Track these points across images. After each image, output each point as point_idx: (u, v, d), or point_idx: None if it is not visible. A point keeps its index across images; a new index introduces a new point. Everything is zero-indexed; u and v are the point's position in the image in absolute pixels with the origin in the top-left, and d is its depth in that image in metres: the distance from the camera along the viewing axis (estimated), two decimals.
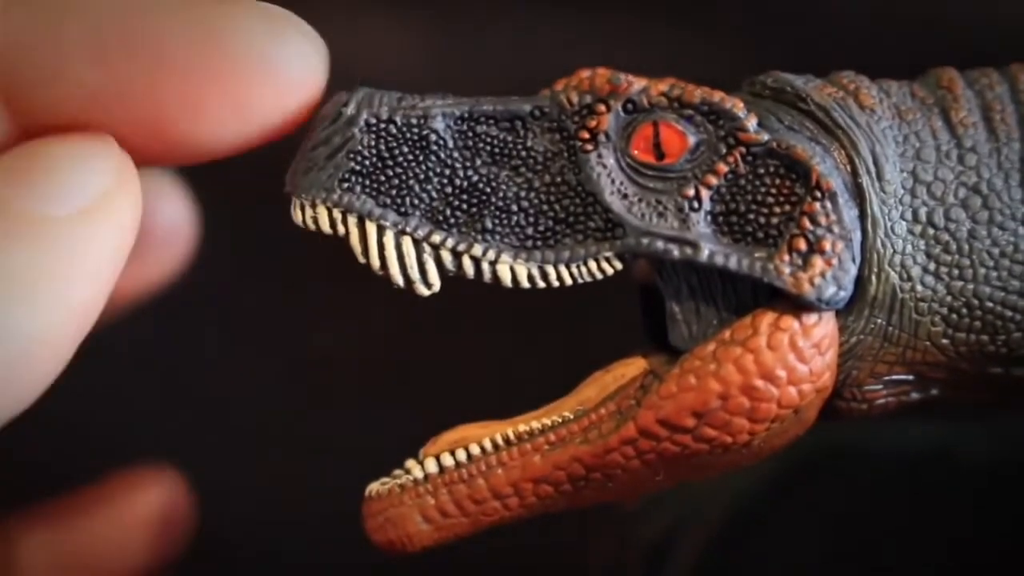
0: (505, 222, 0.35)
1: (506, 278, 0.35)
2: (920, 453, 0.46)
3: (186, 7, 0.33)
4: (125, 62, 0.33)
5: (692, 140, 0.35)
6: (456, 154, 0.35)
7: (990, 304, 0.35)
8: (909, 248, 0.35)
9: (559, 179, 0.35)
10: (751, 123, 0.35)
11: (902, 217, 0.35)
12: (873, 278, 0.35)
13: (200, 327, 0.50)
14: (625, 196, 0.35)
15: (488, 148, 0.35)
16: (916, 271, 0.35)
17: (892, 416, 0.37)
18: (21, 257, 0.32)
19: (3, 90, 0.33)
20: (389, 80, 0.36)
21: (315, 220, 0.35)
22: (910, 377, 0.36)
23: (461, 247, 0.35)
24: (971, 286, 0.35)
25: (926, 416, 0.44)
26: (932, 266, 0.35)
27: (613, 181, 0.35)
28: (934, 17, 0.52)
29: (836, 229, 0.35)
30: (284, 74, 0.33)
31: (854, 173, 0.35)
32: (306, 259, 0.48)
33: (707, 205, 0.35)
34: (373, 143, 0.35)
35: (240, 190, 0.52)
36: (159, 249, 0.46)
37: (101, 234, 0.33)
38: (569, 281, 0.35)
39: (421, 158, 0.35)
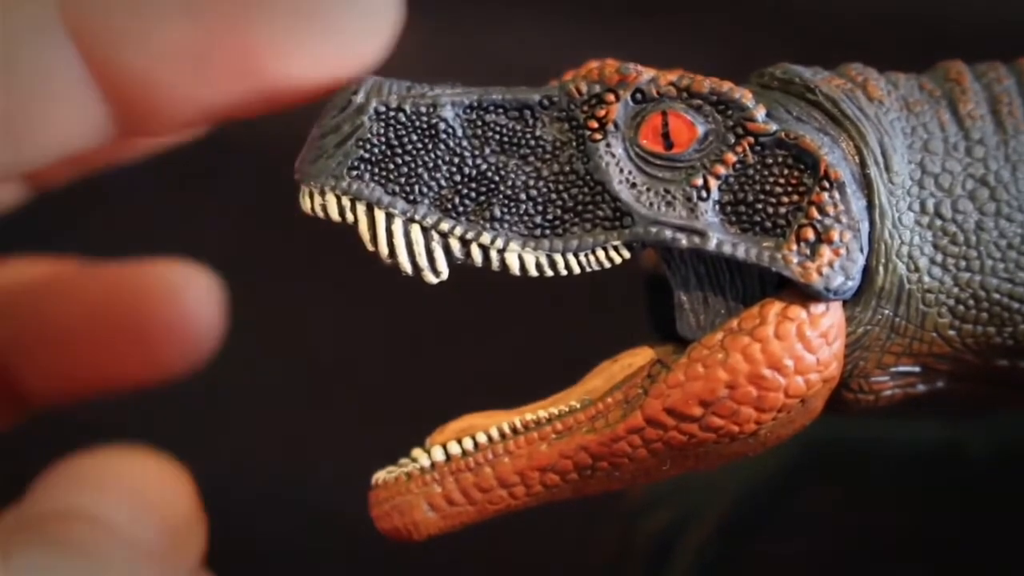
0: (514, 211, 0.35)
1: (514, 266, 0.35)
2: (921, 451, 0.46)
3: None
4: (211, 11, 0.33)
5: (701, 130, 0.35)
6: (465, 143, 0.35)
7: (997, 296, 0.35)
8: (917, 239, 0.35)
9: (568, 168, 0.35)
10: (760, 113, 0.35)
11: (910, 208, 0.35)
12: (880, 269, 0.35)
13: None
14: (633, 185, 0.35)
15: (497, 137, 0.35)
16: (923, 262, 0.35)
17: (898, 408, 0.37)
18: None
19: (92, 61, 0.34)
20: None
21: (324, 208, 0.35)
22: (916, 369, 0.36)
23: (470, 235, 0.35)
24: (978, 277, 0.35)
25: (928, 413, 0.44)
26: (939, 257, 0.35)
27: (622, 170, 0.35)
28: (936, 14, 0.52)
29: (844, 219, 0.35)
30: (360, 21, 0.34)
31: (862, 164, 0.35)
32: (308, 251, 0.48)
33: (715, 194, 0.35)
34: (382, 131, 0.35)
35: (241, 189, 0.52)
36: (185, 341, 0.46)
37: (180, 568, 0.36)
38: (577, 270, 0.35)
39: (430, 146, 0.35)
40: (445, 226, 0.35)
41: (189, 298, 0.45)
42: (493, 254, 0.35)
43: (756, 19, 0.54)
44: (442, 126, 0.35)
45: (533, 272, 0.35)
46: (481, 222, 0.35)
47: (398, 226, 0.35)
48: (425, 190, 0.35)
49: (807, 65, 0.37)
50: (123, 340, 0.45)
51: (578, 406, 0.36)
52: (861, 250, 0.35)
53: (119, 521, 0.35)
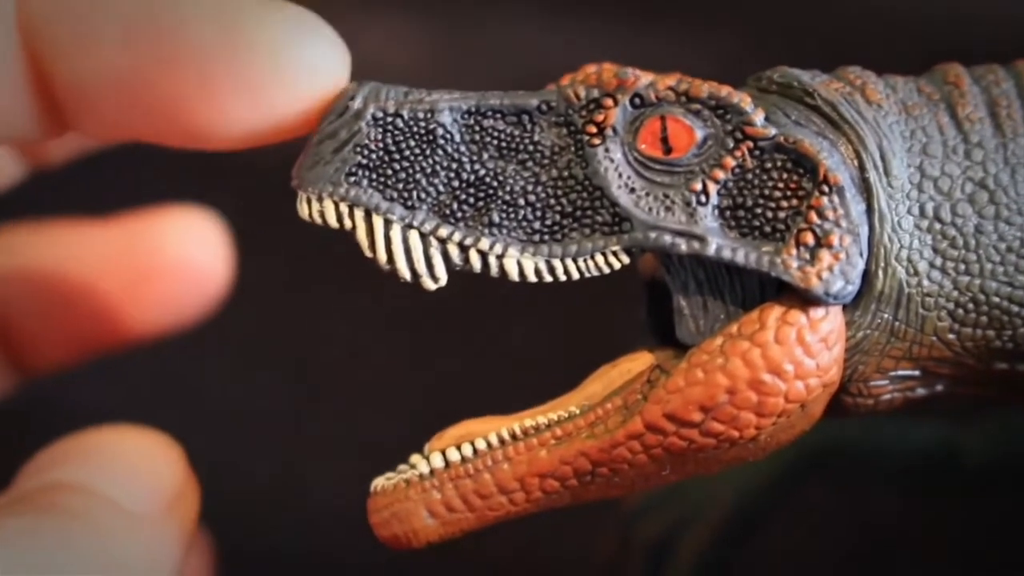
0: (512, 216, 0.35)
1: (513, 272, 0.35)
2: (921, 453, 0.46)
3: (214, 2, 0.34)
4: (152, 47, 0.34)
5: (699, 134, 0.35)
6: (463, 148, 0.35)
7: (996, 299, 0.35)
8: (916, 243, 0.35)
9: (566, 173, 0.35)
10: (758, 117, 0.35)
11: (909, 212, 0.35)
12: (880, 273, 0.35)
13: (198, 325, 0.49)
14: (632, 190, 0.35)
15: (495, 142, 0.35)
16: (923, 266, 0.35)
17: (898, 412, 0.37)
18: (116, 551, 0.35)
19: (34, 58, 0.34)
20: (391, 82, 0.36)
21: (322, 214, 0.35)
22: (916, 372, 0.36)
23: (468, 241, 0.35)
24: (978, 281, 0.35)
25: (928, 415, 0.44)
26: (939, 261, 0.35)
27: (620, 175, 0.35)
28: (937, 15, 0.52)
29: (843, 223, 0.35)
30: (302, 73, 0.34)
31: (861, 168, 0.35)
32: (310, 254, 0.48)
33: (714, 199, 0.35)
34: (380, 137, 0.35)
35: (241, 190, 0.52)
36: (193, 288, 0.46)
37: (174, 533, 0.36)
38: (576, 275, 0.35)
39: (428, 152, 0.35)
40: (443, 232, 0.35)
41: (196, 243, 0.46)
42: (492, 260, 0.35)
43: (755, 22, 0.54)
44: (440, 131, 0.35)
45: (532, 278, 0.35)
46: (479, 228, 0.35)
47: (396, 232, 0.35)
48: (423, 196, 0.35)
49: (806, 69, 0.36)
50: (131, 289, 0.46)
51: (577, 412, 0.36)
52: (861, 254, 0.35)
53: (112, 492, 0.35)
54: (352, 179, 0.35)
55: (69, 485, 0.35)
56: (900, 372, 0.36)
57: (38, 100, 0.35)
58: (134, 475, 0.36)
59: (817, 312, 0.35)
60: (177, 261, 0.45)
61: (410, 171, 0.35)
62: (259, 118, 0.34)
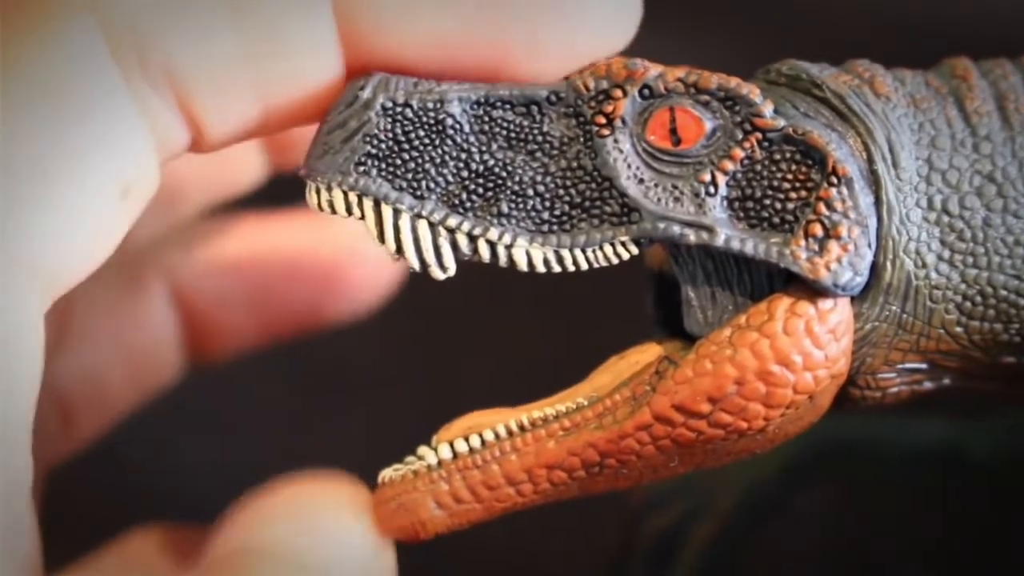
0: (521, 206, 0.35)
1: (522, 262, 0.35)
2: (925, 451, 0.46)
3: None
4: (475, 9, 0.34)
5: (708, 126, 0.35)
6: (472, 138, 0.35)
7: (1004, 292, 0.35)
8: (924, 235, 0.35)
9: (575, 164, 0.35)
10: (767, 109, 0.35)
11: (917, 204, 0.35)
12: (888, 265, 0.35)
13: None
14: (641, 181, 0.35)
15: (504, 133, 0.35)
16: (931, 258, 0.35)
17: (905, 405, 0.37)
18: None
19: (344, 32, 0.34)
20: None
21: (331, 203, 0.35)
22: (923, 366, 0.36)
23: (477, 231, 0.35)
24: (985, 274, 0.35)
25: (932, 413, 0.44)
26: (946, 254, 0.35)
27: (629, 166, 0.35)
28: (941, 13, 0.52)
29: (852, 215, 0.35)
30: (608, 20, 0.35)
31: (870, 160, 0.35)
32: None
33: (723, 190, 0.35)
34: (389, 127, 0.35)
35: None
36: (378, 272, 0.47)
37: None
38: (585, 266, 0.35)
39: (437, 142, 0.35)
40: (452, 222, 0.35)
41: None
42: (500, 250, 0.35)
43: (762, 17, 0.54)
44: (449, 122, 0.35)
45: (541, 268, 0.35)
46: (488, 218, 0.35)
47: (405, 222, 0.35)
48: (432, 186, 0.35)
49: (813, 62, 0.36)
50: (326, 278, 0.46)
51: (585, 403, 0.36)
52: (869, 246, 0.35)
53: (300, 554, 0.35)
54: (361, 168, 0.35)
55: (256, 549, 0.35)
56: (908, 365, 0.36)
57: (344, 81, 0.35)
58: (324, 532, 0.35)
59: (826, 303, 0.35)
60: (366, 248, 0.45)
61: (419, 161, 0.35)
62: (577, 62, 0.35)
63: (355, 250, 0.46)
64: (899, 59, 0.37)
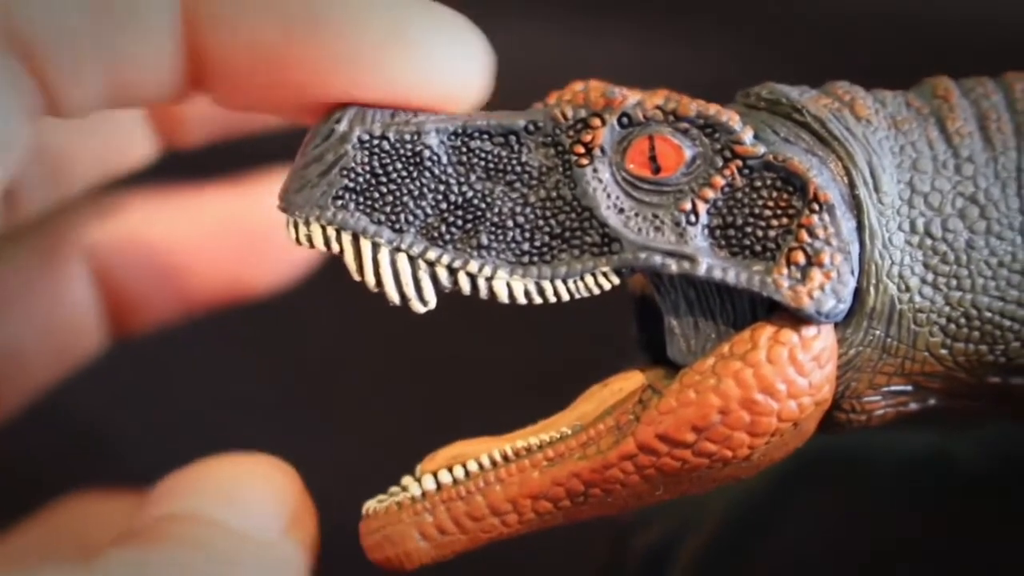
0: (501, 238, 0.35)
1: (502, 294, 0.35)
2: (917, 459, 0.46)
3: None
4: (305, 27, 0.34)
5: (688, 153, 0.35)
6: (450, 170, 0.35)
7: (988, 314, 0.35)
8: (907, 259, 0.35)
9: (554, 194, 0.35)
10: (747, 136, 0.35)
11: (899, 228, 0.35)
12: (871, 290, 0.35)
13: (197, 325, 0.49)
14: (621, 210, 0.35)
15: (482, 163, 0.35)
16: (914, 282, 0.35)
17: (891, 426, 0.37)
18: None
19: (190, 22, 0.35)
20: None
21: (309, 238, 0.35)
22: (909, 388, 0.36)
23: (457, 263, 0.35)
24: (969, 296, 0.35)
25: (923, 423, 0.44)
26: (930, 277, 0.35)
27: (609, 195, 0.35)
28: (930, 19, 0.52)
29: (834, 242, 0.34)
30: (444, 75, 0.35)
31: (851, 184, 0.35)
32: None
33: (704, 219, 0.35)
34: (366, 160, 0.35)
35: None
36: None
37: (292, 557, 0.36)
38: (566, 296, 0.35)
39: (415, 174, 0.35)
40: (432, 255, 0.35)
41: None
42: (481, 282, 0.35)
43: (751, 25, 0.54)
44: (427, 153, 0.35)
45: (522, 300, 0.35)
46: (468, 250, 0.35)
47: (384, 256, 0.34)
48: (411, 218, 0.35)
49: (800, 77, 0.36)
50: (242, 251, 0.47)
51: (569, 432, 0.36)
52: (852, 272, 0.35)
53: (227, 519, 0.36)
54: (339, 202, 0.34)
55: (183, 516, 0.35)
56: (892, 387, 0.36)
57: (184, 63, 0.35)
58: (249, 501, 0.36)
59: (809, 331, 0.34)
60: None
61: (397, 194, 0.35)
62: (393, 96, 0.35)
63: (277, 221, 0.47)
64: (899, 58, 0.37)
